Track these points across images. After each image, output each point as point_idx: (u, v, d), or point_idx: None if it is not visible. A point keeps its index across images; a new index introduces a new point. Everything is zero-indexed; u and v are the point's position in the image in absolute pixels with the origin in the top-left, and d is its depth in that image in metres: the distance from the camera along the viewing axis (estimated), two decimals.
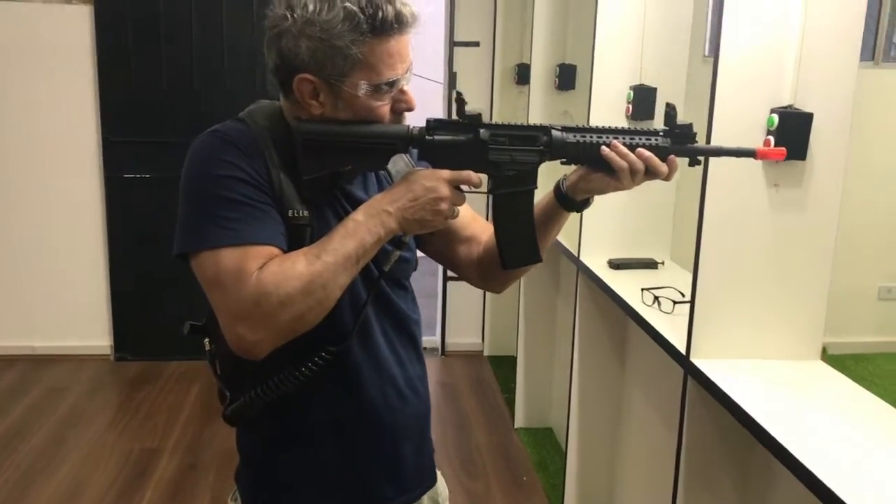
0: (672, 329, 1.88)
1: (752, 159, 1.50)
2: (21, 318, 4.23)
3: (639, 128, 1.24)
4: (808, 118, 1.56)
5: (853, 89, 1.57)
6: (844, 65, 1.57)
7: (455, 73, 4.13)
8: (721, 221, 1.65)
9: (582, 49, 3.28)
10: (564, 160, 1.25)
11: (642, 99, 2.43)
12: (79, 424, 3.53)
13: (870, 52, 4.14)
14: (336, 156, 1.21)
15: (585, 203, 1.29)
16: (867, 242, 4.10)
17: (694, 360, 1.69)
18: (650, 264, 2.47)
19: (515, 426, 3.61)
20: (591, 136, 1.22)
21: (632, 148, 1.21)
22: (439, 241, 1.39)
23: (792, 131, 1.56)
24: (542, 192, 1.30)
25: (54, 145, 4.10)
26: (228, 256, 1.13)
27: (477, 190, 1.23)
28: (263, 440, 1.32)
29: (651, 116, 2.43)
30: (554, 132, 1.23)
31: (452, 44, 4.13)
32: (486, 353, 4.42)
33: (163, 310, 4.20)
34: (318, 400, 1.27)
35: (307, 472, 1.30)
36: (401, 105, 1.23)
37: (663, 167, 1.21)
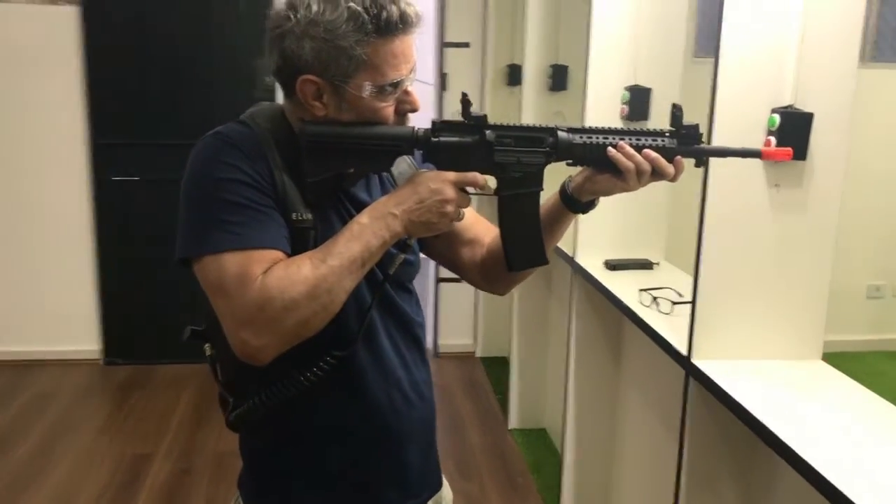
0: (672, 330, 1.88)
1: (752, 160, 1.51)
2: (8, 322, 4.17)
3: (644, 128, 1.24)
4: (808, 118, 1.57)
5: (853, 89, 1.57)
6: (844, 65, 1.57)
7: (445, 75, 4.12)
8: (722, 222, 1.65)
9: (574, 50, 3.28)
10: (570, 161, 1.24)
11: (637, 100, 2.42)
12: (69, 431, 3.48)
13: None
14: (340, 158, 1.19)
15: (591, 204, 1.29)
16: (855, 241, 4.12)
17: (695, 360, 1.69)
18: (646, 265, 2.47)
19: (509, 427, 3.61)
20: (598, 137, 1.22)
21: (638, 149, 1.20)
22: (442, 244, 1.38)
23: (793, 131, 1.56)
24: (546, 194, 1.29)
25: (42, 148, 4.06)
26: (232, 261, 1.12)
27: (483, 192, 1.22)
28: (267, 445, 1.30)
29: (646, 117, 2.43)
30: (560, 133, 1.22)
31: (443, 45, 4.12)
32: (478, 355, 4.41)
33: (153, 313, 4.17)
34: (322, 404, 1.25)
35: (311, 478, 1.29)
36: (405, 106, 1.22)
37: (670, 168, 1.21)
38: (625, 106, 2.43)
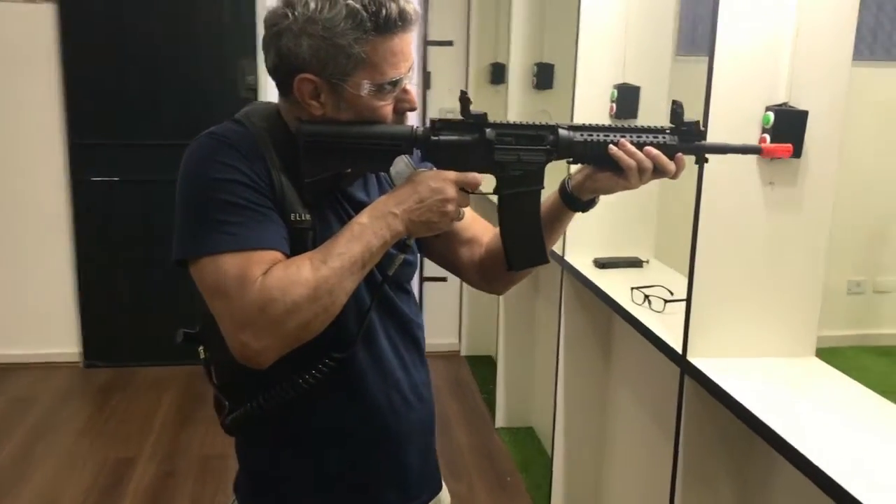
0: (665, 328, 1.88)
1: (748, 157, 1.51)
2: None
3: (645, 125, 1.23)
4: (803, 116, 1.57)
5: (847, 87, 1.57)
6: (838, 62, 1.57)
7: (429, 73, 4.11)
8: (717, 220, 1.65)
9: (559, 48, 3.28)
10: (571, 159, 1.23)
11: (626, 98, 2.42)
12: (49, 434, 3.43)
13: None
14: (339, 158, 1.18)
15: (591, 203, 1.28)
16: (835, 237, 4.14)
17: (691, 358, 1.69)
18: (635, 263, 2.47)
19: (496, 426, 3.60)
20: (599, 135, 1.21)
21: (639, 146, 1.20)
22: (441, 244, 1.37)
23: (787, 129, 1.56)
24: (545, 193, 1.28)
25: (19, 148, 3.98)
26: (230, 262, 1.10)
27: (483, 191, 1.21)
28: (264, 448, 1.28)
29: (634, 115, 2.43)
30: (561, 131, 1.21)
31: (426, 43, 4.10)
32: (463, 353, 4.40)
33: (133, 315, 4.12)
34: (321, 406, 1.24)
35: (310, 480, 1.27)
36: (404, 105, 1.20)
37: (671, 165, 1.20)
38: (613, 104, 2.43)
